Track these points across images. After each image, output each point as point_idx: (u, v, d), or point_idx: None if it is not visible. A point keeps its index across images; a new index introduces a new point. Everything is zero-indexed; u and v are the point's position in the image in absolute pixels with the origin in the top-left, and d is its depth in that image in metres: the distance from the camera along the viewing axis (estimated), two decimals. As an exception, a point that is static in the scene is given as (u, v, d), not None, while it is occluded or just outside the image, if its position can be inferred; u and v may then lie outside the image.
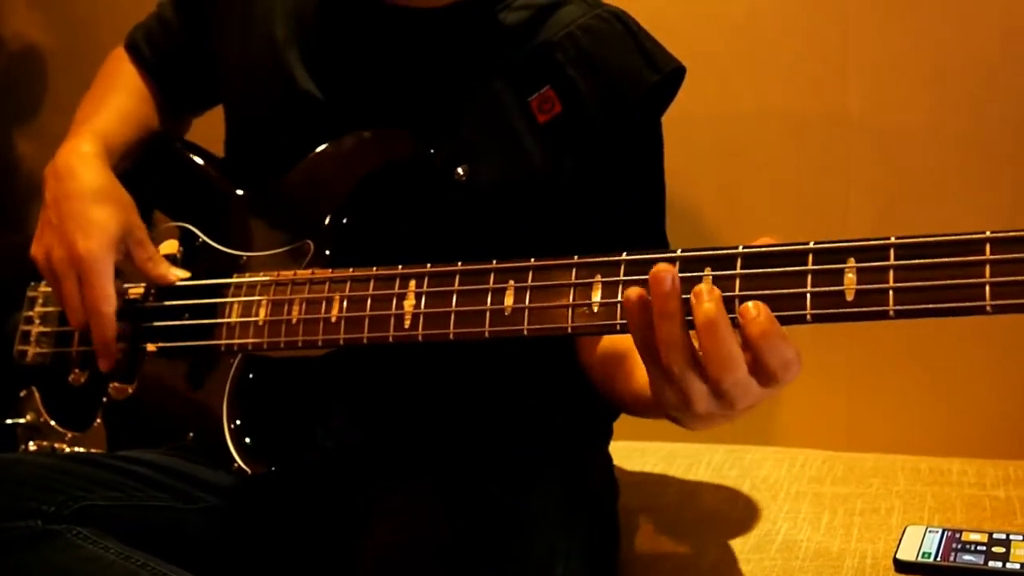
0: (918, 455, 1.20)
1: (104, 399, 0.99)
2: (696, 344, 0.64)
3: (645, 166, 0.96)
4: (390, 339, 0.81)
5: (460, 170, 0.90)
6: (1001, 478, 1.07)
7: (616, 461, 1.08)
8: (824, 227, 1.34)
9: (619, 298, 0.70)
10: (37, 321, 1.06)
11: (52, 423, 1.03)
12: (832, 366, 1.37)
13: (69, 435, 1.01)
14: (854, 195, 1.32)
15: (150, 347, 0.96)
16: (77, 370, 1.03)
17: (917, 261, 0.61)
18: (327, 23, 0.97)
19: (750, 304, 0.62)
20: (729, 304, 0.65)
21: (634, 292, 0.64)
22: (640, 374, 0.76)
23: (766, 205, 1.36)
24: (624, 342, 0.86)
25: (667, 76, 0.92)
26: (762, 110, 1.34)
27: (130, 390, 0.97)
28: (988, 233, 0.59)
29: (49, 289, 1.05)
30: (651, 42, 0.93)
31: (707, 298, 0.63)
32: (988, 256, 0.58)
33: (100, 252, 0.92)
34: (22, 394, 1.07)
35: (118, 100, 1.07)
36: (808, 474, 1.13)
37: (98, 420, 0.99)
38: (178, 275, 0.96)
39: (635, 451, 1.20)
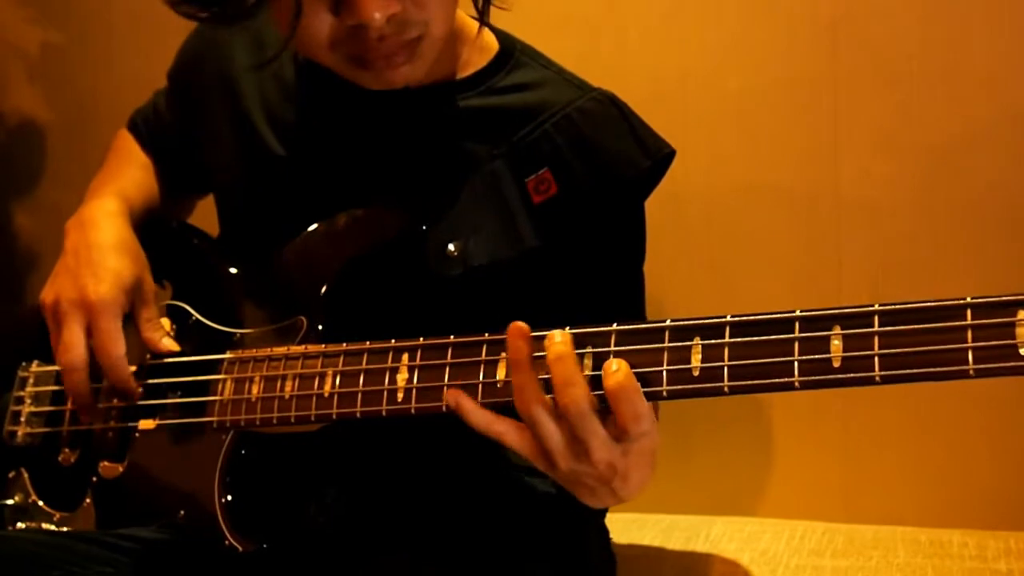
0: (917, 526, 1.19)
1: (94, 478, 0.98)
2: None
3: (630, 244, 0.98)
4: (383, 413, 0.81)
5: (452, 246, 0.91)
6: (1002, 550, 1.07)
7: (613, 534, 1.07)
8: (818, 301, 1.35)
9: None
10: (28, 401, 1.06)
11: (40, 504, 1.02)
12: (827, 436, 1.37)
13: (58, 516, 1.00)
14: (847, 268, 1.33)
15: (142, 425, 0.96)
16: (67, 449, 1.02)
17: (901, 327, 0.62)
18: (309, 105, 0.99)
19: (612, 360, 0.70)
20: (718, 374, 0.67)
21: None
22: None
23: (759, 279, 1.38)
24: None
25: (658, 161, 0.94)
26: (753, 184, 1.36)
27: (120, 469, 0.97)
28: (968, 299, 0.60)
29: (41, 369, 1.05)
30: (643, 127, 0.95)
31: (559, 339, 0.72)
32: (969, 321, 0.59)
33: (110, 297, 0.93)
34: (11, 475, 1.06)
35: (131, 171, 1.11)
36: (808, 547, 1.13)
37: (87, 500, 0.98)
38: (170, 346, 0.97)
39: (632, 523, 1.19)
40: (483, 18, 0.89)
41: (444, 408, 0.78)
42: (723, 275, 1.39)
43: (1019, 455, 1.30)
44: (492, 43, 0.98)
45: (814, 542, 1.13)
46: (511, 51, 0.98)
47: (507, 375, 0.75)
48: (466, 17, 0.97)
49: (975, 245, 1.26)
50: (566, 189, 0.92)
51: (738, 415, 1.38)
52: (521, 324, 0.72)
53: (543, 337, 0.72)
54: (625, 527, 1.18)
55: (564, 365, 0.71)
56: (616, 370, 0.70)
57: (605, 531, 1.06)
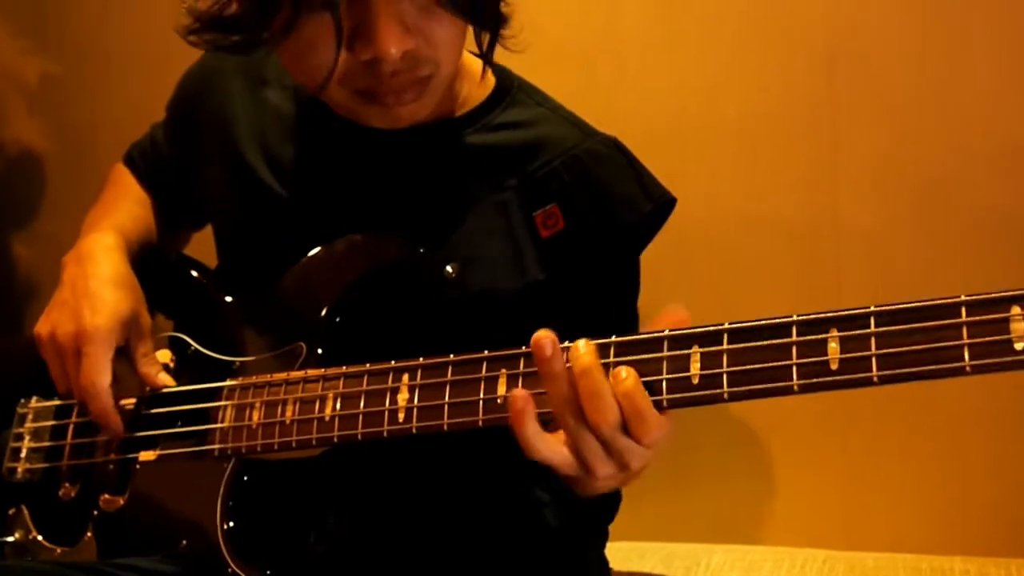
0: (919, 553, 1.18)
1: (95, 512, 0.98)
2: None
3: (627, 282, 1.00)
4: (385, 434, 0.82)
5: (450, 268, 0.92)
6: (1004, 577, 1.06)
7: (613, 563, 1.07)
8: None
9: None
10: (27, 437, 1.06)
11: (41, 539, 1.01)
12: (828, 463, 1.36)
13: (59, 551, 0.99)
14: (846, 296, 1.33)
15: (142, 456, 0.96)
16: (67, 484, 1.02)
17: (897, 327, 0.62)
18: (309, 143, 1.01)
19: (621, 368, 0.71)
20: (717, 381, 0.68)
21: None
22: None
23: (759, 308, 1.36)
24: None
25: (660, 206, 0.96)
26: (752, 213, 1.37)
27: (121, 501, 0.96)
28: (963, 296, 0.61)
29: (39, 404, 1.05)
30: (648, 174, 0.97)
31: (584, 348, 0.71)
32: (964, 319, 0.60)
33: (105, 328, 0.94)
34: (11, 512, 1.05)
35: (128, 205, 1.12)
36: (809, 575, 1.12)
37: (89, 534, 0.97)
38: (165, 381, 0.97)
39: (632, 552, 1.19)
40: (487, 59, 0.90)
41: (444, 427, 0.78)
42: (723, 304, 1.39)
43: (1020, 481, 1.30)
44: (489, 78, 1.00)
45: (815, 570, 1.13)
46: (508, 87, 1.00)
47: (507, 391, 0.76)
48: (466, 53, 0.99)
49: (974, 273, 1.27)
50: (573, 225, 0.93)
51: (738, 442, 1.38)
52: (548, 332, 0.71)
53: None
54: (625, 556, 1.17)
55: (591, 378, 0.70)
56: (625, 377, 0.70)
57: (605, 561, 1.06)
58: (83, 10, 1.79)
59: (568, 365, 0.71)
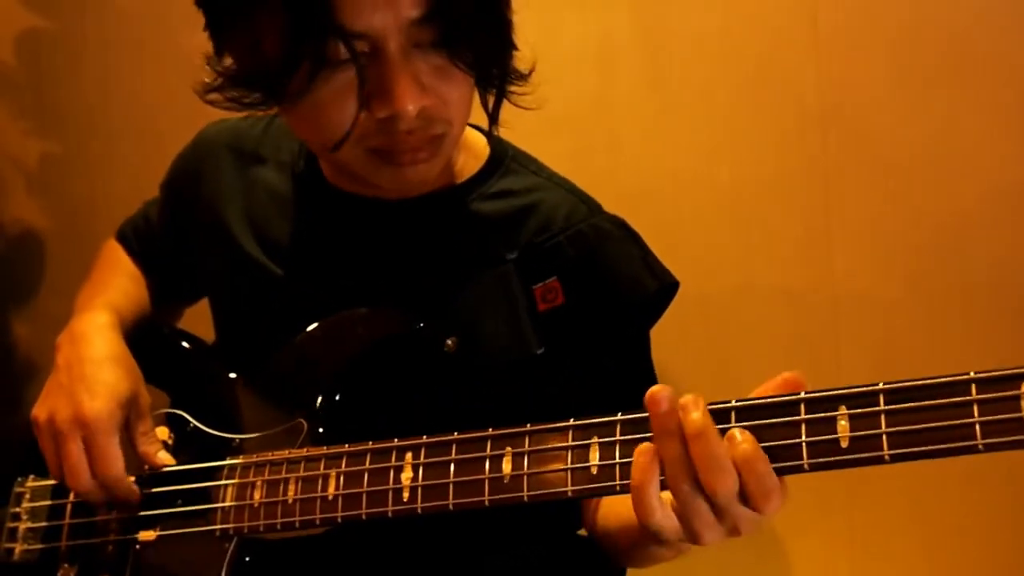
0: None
1: (95, 594, 0.96)
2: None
3: (638, 354, 0.99)
4: (389, 514, 0.81)
5: (449, 342, 0.91)
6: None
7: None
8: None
9: (617, 459, 0.71)
10: (25, 517, 1.04)
11: (39, 623, 0.99)
12: (833, 529, 1.36)
13: (58, 634, 0.98)
14: (845, 360, 1.33)
15: (142, 536, 0.94)
16: (66, 565, 1.00)
17: (907, 405, 0.62)
18: (307, 219, 1.00)
19: (736, 430, 0.66)
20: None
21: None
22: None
23: (757, 374, 1.35)
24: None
25: (665, 287, 0.95)
26: (748, 278, 1.37)
27: (121, 583, 0.95)
28: (972, 374, 0.61)
29: (36, 484, 1.04)
30: (652, 256, 0.97)
31: (693, 408, 0.67)
32: (975, 396, 0.60)
33: (105, 412, 0.92)
34: (9, 594, 1.03)
35: (120, 281, 1.11)
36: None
37: (89, 616, 0.96)
38: (166, 460, 0.96)
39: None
40: (493, 123, 0.90)
41: (450, 507, 0.77)
42: (721, 371, 1.38)
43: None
44: (484, 148, 1.00)
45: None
46: (502, 157, 1.00)
47: (511, 469, 0.74)
48: None
49: (974, 331, 1.27)
50: (573, 301, 0.93)
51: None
52: (663, 388, 0.68)
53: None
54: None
55: (707, 442, 0.65)
56: (741, 440, 0.66)
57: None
58: (82, 91, 1.80)
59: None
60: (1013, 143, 1.21)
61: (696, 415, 0.66)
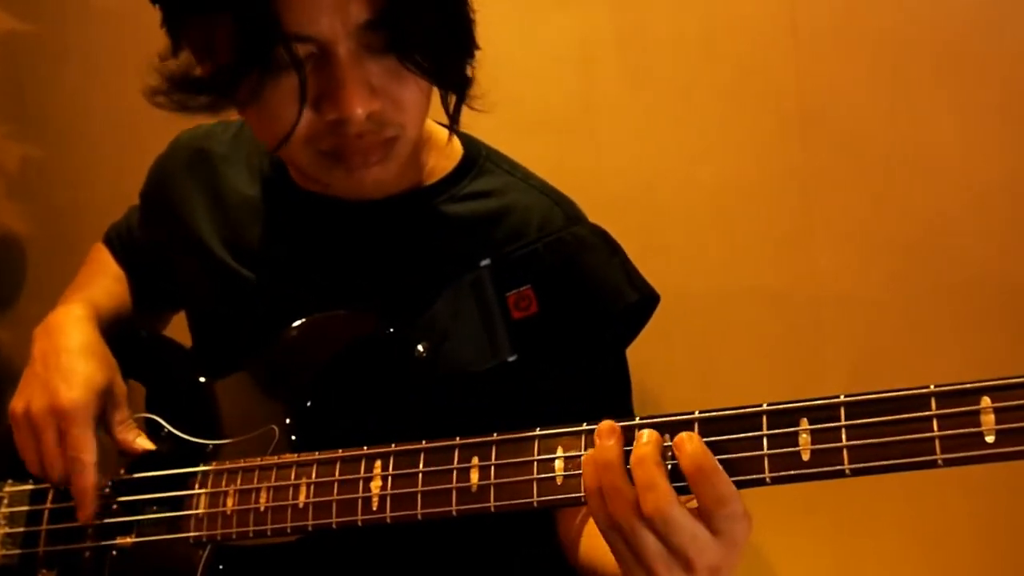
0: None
1: (72, 600, 0.96)
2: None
3: (610, 367, 0.98)
4: (359, 523, 0.81)
5: (420, 347, 0.91)
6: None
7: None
8: (799, 396, 1.33)
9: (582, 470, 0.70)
10: (3, 522, 1.04)
11: (16, 629, 1.00)
12: (818, 528, 1.36)
13: (36, 640, 0.98)
14: (828, 362, 1.32)
15: (119, 542, 0.94)
16: (44, 570, 1.00)
17: (867, 420, 0.62)
18: (278, 222, 1.00)
19: (683, 434, 0.66)
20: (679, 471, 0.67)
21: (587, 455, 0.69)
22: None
23: (738, 377, 1.37)
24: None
25: (645, 298, 0.95)
26: (729, 280, 1.36)
27: (98, 589, 0.95)
28: (932, 387, 0.60)
29: (14, 488, 1.04)
30: (633, 267, 0.96)
31: (644, 439, 0.67)
32: (934, 411, 0.60)
33: (82, 401, 0.92)
34: (-13, 599, 1.04)
35: (103, 281, 1.11)
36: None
37: (66, 622, 0.96)
38: (145, 446, 0.96)
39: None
40: (453, 124, 0.89)
41: (419, 517, 0.77)
42: (702, 373, 1.38)
43: (1009, 550, 1.28)
44: (457, 148, 0.99)
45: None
46: (476, 157, 0.99)
47: (479, 479, 0.74)
48: (432, 123, 0.98)
49: (955, 331, 1.26)
50: (547, 310, 0.92)
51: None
52: (611, 423, 0.69)
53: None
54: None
55: (645, 468, 0.66)
56: (687, 443, 0.66)
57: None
58: (63, 95, 1.79)
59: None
60: (993, 144, 1.21)
61: (646, 448, 0.67)
